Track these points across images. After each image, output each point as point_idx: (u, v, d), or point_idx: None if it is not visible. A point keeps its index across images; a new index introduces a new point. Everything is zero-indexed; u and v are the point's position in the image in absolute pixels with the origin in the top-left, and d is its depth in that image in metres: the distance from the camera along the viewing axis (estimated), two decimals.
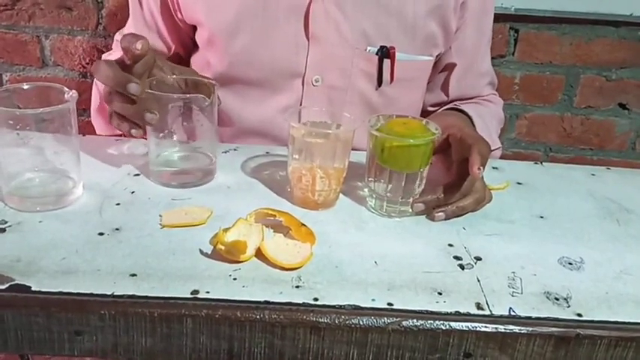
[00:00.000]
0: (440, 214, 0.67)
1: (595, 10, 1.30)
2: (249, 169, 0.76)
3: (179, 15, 0.89)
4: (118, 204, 0.65)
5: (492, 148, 0.89)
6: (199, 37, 0.90)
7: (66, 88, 0.64)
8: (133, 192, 0.68)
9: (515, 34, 1.34)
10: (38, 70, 1.36)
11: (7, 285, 0.51)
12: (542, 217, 0.70)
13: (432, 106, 0.98)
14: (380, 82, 0.88)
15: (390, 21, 0.85)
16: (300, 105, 0.88)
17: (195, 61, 0.94)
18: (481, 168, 0.64)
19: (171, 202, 0.66)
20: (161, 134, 0.69)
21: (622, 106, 1.40)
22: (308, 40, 0.84)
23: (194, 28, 0.91)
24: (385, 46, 0.85)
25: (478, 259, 0.60)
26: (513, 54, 1.36)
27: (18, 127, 0.60)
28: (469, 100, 0.96)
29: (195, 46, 0.93)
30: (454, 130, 0.70)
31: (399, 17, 0.84)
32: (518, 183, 0.79)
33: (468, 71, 0.95)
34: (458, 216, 0.68)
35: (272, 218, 0.62)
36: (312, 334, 0.51)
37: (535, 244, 0.64)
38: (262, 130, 0.90)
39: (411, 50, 0.87)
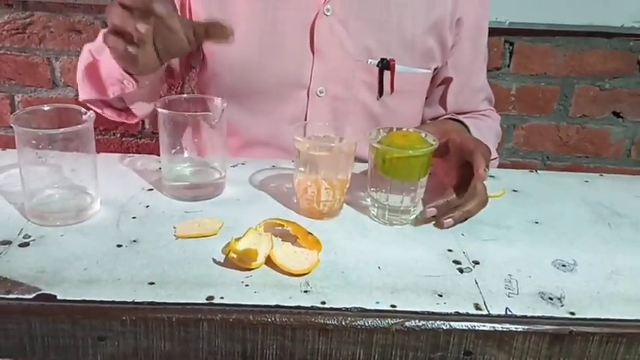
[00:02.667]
0: (449, 220, 0.69)
1: (588, 23, 1.34)
2: (257, 181, 0.79)
3: None
4: (134, 217, 0.68)
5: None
6: (207, 51, 0.93)
7: (83, 109, 0.67)
8: (147, 206, 0.71)
9: (511, 47, 1.38)
10: (49, 91, 1.41)
11: (34, 294, 0.54)
12: (537, 223, 0.73)
13: (430, 119, 1.02)
14: (381, 93, 0.92)
15: (390, 36, 0.89)
16: (305, 116, 0.92)
17: (203, 75, 0.97)
18: (486, 169, 0.68)
19: (185, 214, 0.69)
20: (173, 150, 0.73)
21: (616, 114, 1.44)
22: (313, 54, 0.89)
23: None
24: (385, 59, 0.89)
25: (476, 262, 0.63)
26: (509, 66, 1.40)
27: (40, 146, 0.64)
28: (466, 115, 1.00)
29: (202, 63, 0.97)
30: (454, 135, 0.74)
31: (399, 33, 0.89)
32: (514, 190, 0.82)
33: (464, 86, 0.99)
34: (464, 220, 0.70)
35: (280, 228, 0.65)
36: (320, 335, 0.54)
37: (530, 248, 0.67)
38: (269, 140, 0.94)
39: (410, 64, 0.91)
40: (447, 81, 0.98)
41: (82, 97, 0.88)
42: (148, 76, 0.78)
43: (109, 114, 0.89)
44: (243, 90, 0.92)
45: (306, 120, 0.92)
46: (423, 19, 0.90)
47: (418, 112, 1.00)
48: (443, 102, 1.00)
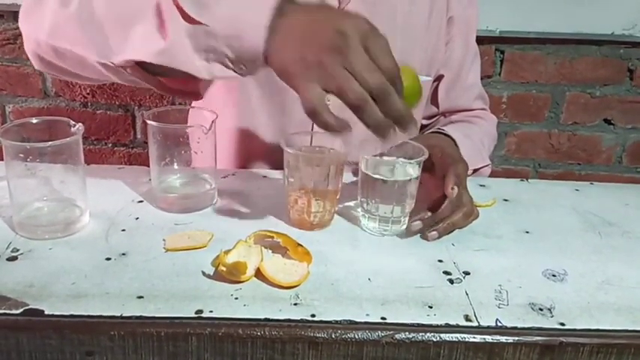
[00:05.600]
0: (433, 233, 0.69)
1: (578, 30, 1.35)
2: (248, 193, 0.79)
3: None
4: (123, 230, 0.68)
5: (481, 166, 0.93)
6: None
7: (72, 121, 0.67)
8: (137, 218, 0.71)
9: (501, 55, 1.39)
10: (40, 101, 1.40)
11: (21, 309, 0.54)
12: (527, 232, 0.73)
13: (424, 118, 1.03)
14: None
15: (395, 44, 0.89)
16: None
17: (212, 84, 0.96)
18: (455, 188, 0.68)
19: (174, 226, 0.69)
20: (163, 162, 0.72)
21: (607, 121, 1.45)
22: None
23: None
24: None
25: (467, 273, 0.63)
26: (500, 74, 1.40)
27: (29, 159, 0.63)
28: (458, 114, 1.00)
29: None
30: (436, 151, 0.74)
31: (403, 40, 0.90)
32: (505, 200, 0.82)
33: (455, 82, 0.99)
34: (450, 232, 0.70)
35: (270, 239, 0.65)
36: (310, 348, 0.53)
37: (521, 258, 0.67)
38: (276, 145, 0.93)
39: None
40: (439, 78, 0.99)
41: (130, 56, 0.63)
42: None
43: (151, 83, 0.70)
44: (251, 97, 0.91)
45: (313, 125, 0.91)
46: (426, 27, 0.91)
47: (419, 118, 1.01)
48: (435, 99, 1.00)
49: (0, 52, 1.36)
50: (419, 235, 0.70)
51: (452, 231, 0.71)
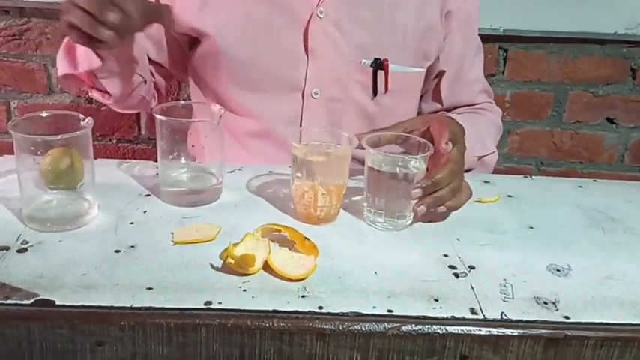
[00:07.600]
0: (421, 207, 0.69)
1: (581, 30, 1.36)
2: (254, 187, 0.80)
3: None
4: (131, 223, 0.68)
5: (486, 153, 0.93)
6: (202, 50, 0.93)
7: (82, 116, 0.68)
8: (145, 211, 0.71)
9: (505, 54, 1.39)
10: (45, 97, 1.41)
11: (32, 300, 0.54)
12: (531, 228, 0.74)
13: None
14: (375, 93, 0.93)
15: (383, 36, 0.90)
16: (301, 117, 0.92)
17: (198, 72, 0.97)
18: (449, 143, 0.68)
19: (182, 220, 0.70)
20: (170, 156, 0.73)
21: (609, 120, 1.45)
22: (307, 56, 0.89)
23: (190, 42, 0.95)
24: (379, 59, 0.90)
25: (472, 267, 0.64)
26: (503, 73, 1.41)
27: (38, 152, 0.64)
28: (463, 109, 1.01)
29: (196, 62, 0.97)
30: (433, 122, 0.74)
31: (392, 33, 0.90)
32: (509, 196, 0.83)
33: (457, 78, 0.99)
34: (438, 206, 0.70)
35: (277, 233, 0.65)
36: (317, 340, 0.54)
37: (525, 253, 0.67)
38: (265, 136, 0.95)
39: (404, 62, 0.92)
40: (440, 74, 0.99)
41: (60, 71, 0.88)
42: (111, 52, 0.79)
43: (96, 95, 0.91)
44: (236, 92, 0.92)
45: (301, 121, 0.93)
46: (416, 18, 0.91)
47: (413, 110, 1.00)
48: (437, 95, 1.00)
49: (5, 48, 1.36)
50: (424, 229, 0.71)
51: (440, 205, 0.70)
